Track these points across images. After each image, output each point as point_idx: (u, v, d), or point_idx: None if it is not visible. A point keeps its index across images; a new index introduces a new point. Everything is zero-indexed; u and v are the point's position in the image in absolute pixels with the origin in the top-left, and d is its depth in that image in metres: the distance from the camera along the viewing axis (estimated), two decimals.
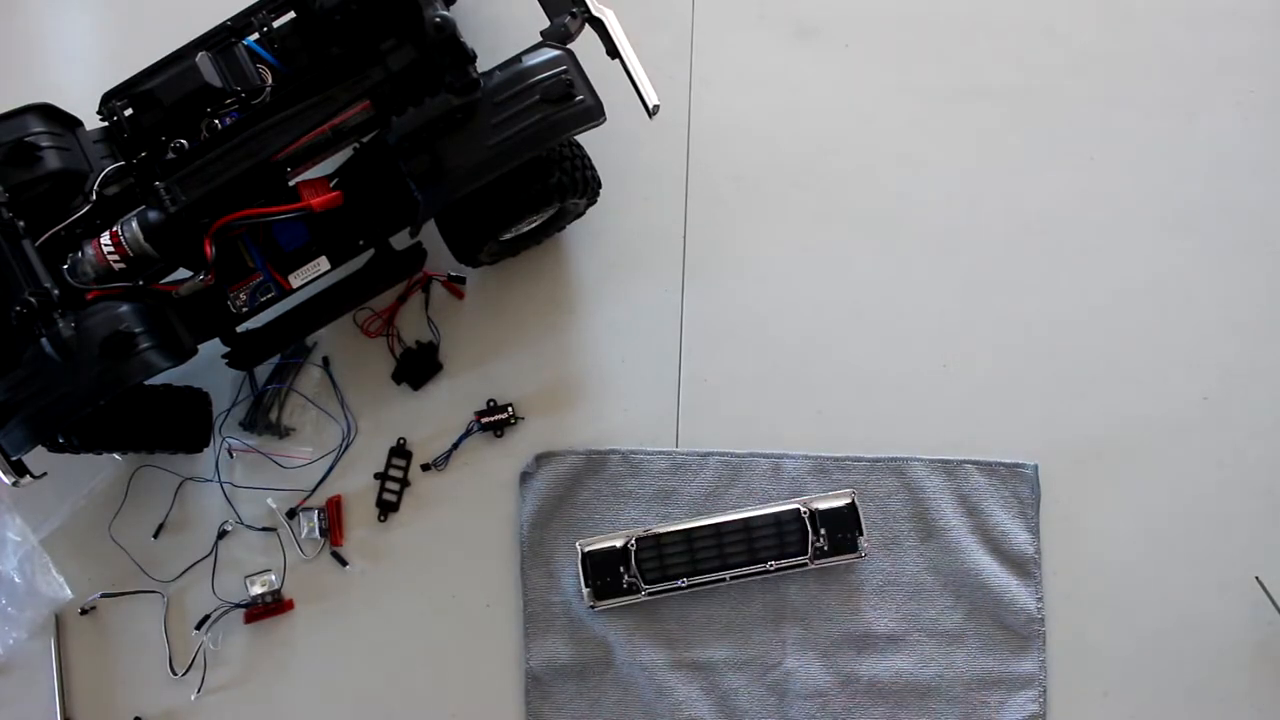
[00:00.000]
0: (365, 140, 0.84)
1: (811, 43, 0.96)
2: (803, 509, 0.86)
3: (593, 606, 0.84)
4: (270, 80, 0.79)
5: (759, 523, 0.86)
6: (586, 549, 0.85)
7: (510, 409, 0.90)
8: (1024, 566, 0.87)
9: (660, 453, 0.89)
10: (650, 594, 0.85)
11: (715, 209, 0.94)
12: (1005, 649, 0.87)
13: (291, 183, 0.82)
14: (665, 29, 0.96)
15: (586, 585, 0.84)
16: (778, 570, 0.86)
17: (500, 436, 0.90)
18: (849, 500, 0.86)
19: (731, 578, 0.86)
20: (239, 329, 0.85)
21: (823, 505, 0.86)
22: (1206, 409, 0.91)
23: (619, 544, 0.86)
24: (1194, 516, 0.89)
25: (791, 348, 0.92)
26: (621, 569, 0.85)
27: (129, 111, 0.80)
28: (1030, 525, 0.88)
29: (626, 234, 0.93)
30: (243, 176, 0.77)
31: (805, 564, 0.86)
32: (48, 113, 0.81)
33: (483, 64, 0.79)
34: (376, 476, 0.90)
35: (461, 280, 0.92)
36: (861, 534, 0.86)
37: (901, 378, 0.91)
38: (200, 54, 0.78)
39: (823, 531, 0.86)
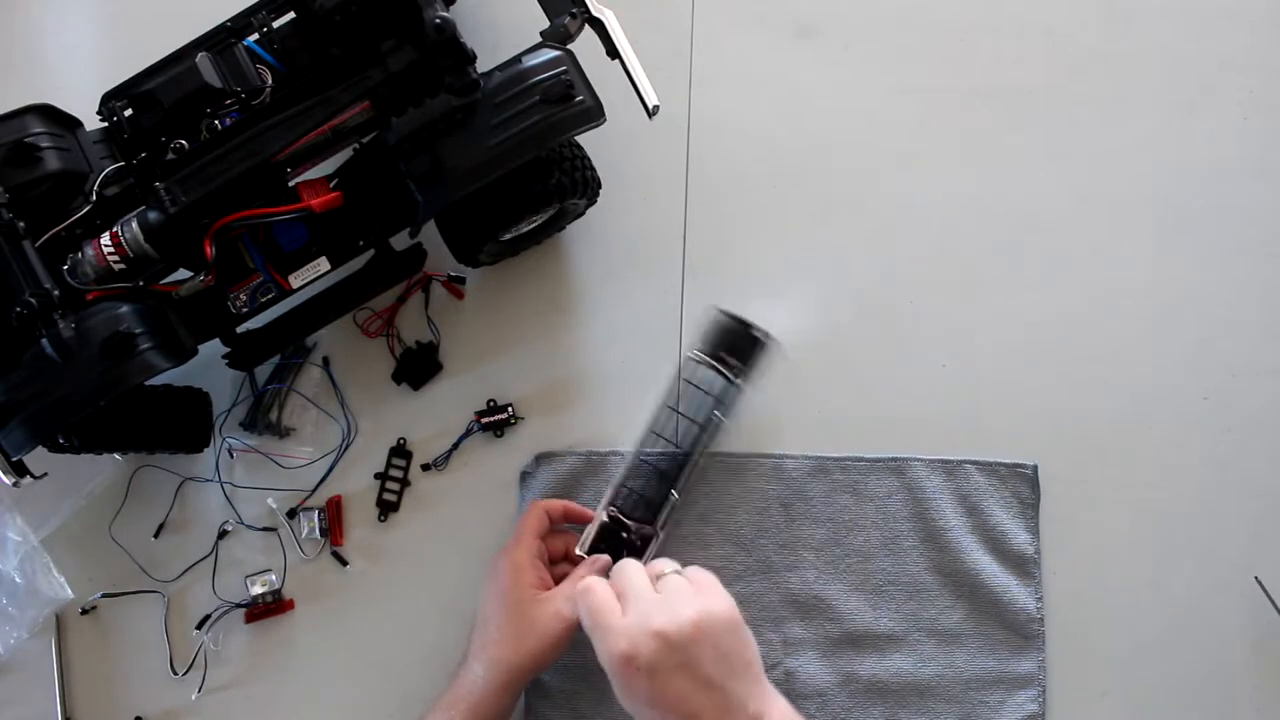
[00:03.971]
0: (365, 141, 0.84)
1: (811, 43, 0.96)
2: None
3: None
4: (270, 80, 0.79)
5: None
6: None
7: (510, 409, 0.90)
8: (1024, 566, 0.87)
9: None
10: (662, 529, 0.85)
11: (715, 209, 0.94)
12: (1005, 649, 0.87)
13: (291, 183, 0.82)
14: (665, 29, 0.96)
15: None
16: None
17: (500, 436, 0.90)
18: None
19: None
20: (239, 329, 0.85)
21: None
22: (1206, 409, 0.91)
23: (604, 519, 0.84)
24: (1194, 516, 0.89)
25: (791, 348, 0.92)
26: (624, 535, 0.85)
27: (129, 112, 0.80)
28: (1030, 525, 0.88)
29: (626, 234, 0.93)
30: (243, 177, 0.77)
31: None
32: (48, 113, 0.81)
33: (483, 64, 0.79)
34: (377, 476, 0.90)
35: (461, 280, 0.92)
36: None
37: (901, 377, 0.91)
38: (200, 54, 0.78)
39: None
